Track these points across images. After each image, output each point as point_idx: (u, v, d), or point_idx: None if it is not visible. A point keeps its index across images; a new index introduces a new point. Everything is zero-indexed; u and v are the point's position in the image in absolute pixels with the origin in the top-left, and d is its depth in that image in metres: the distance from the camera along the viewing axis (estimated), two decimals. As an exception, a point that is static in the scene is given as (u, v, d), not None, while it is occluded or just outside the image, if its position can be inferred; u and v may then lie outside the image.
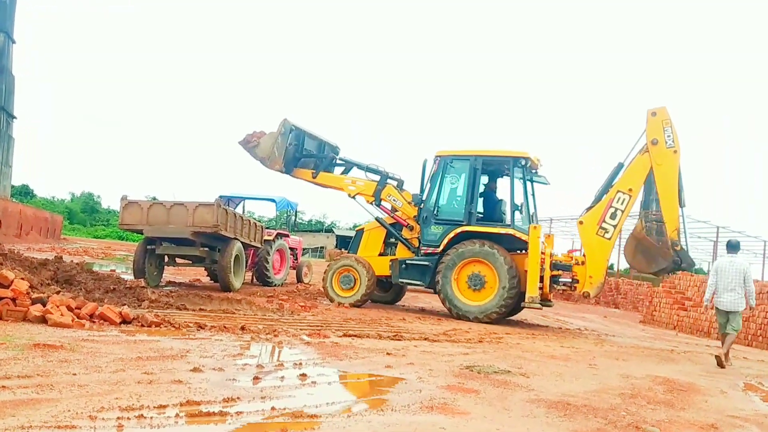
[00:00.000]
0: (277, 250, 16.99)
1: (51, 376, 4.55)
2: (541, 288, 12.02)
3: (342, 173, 14.52)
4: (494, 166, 13.19)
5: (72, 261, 12.19)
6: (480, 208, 13.18)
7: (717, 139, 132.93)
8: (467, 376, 6.17)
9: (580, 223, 12.40)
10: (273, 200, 18.28)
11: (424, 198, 13.17)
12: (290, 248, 18.11)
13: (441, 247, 12.73)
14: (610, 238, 12.09)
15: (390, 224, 13.61)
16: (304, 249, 20.61)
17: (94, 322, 7.13)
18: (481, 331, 10.50)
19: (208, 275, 16.47)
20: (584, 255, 12.35)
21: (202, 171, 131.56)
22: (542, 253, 12.06)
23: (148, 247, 13.42)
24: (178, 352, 5.96)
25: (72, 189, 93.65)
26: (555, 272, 12.33)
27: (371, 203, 13.72)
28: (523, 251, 12.21)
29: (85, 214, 70.24)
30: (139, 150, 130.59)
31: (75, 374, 4.68)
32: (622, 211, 12.05)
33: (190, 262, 14.69)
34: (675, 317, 17.13)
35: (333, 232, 72.24)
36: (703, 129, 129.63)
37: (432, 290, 13.49)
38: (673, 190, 11.74)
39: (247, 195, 18.22)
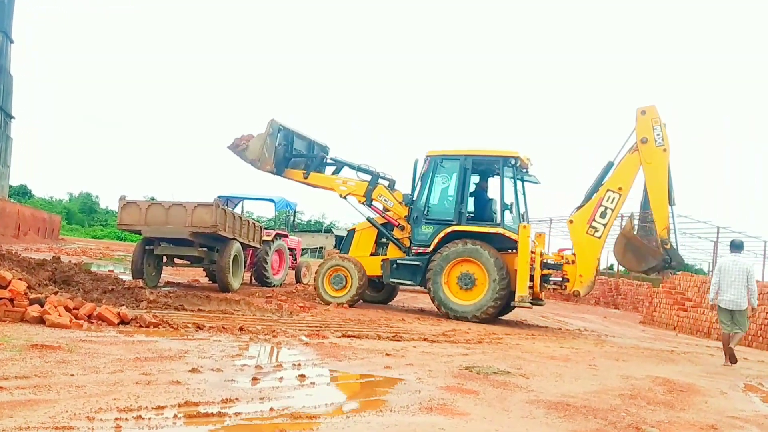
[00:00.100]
0: (276, 251, 16.97)
1: (49, 377, 4.53)
2: (531, 287, 12.08)
3: (333, 173, 14.54)
4: (484, 166, 13.22)
5: (70, 261, 12.17)
6: (471, 207, 13.23)
7: (717, 139, 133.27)
8: (467, 376, 6.16)
9: (570, 222, 12.46)
10: (272, 200, 18.27)
11: (414, 198, 13.22)
12: (289, 248, 18.09)
13: (431, 247, 12.78)
14: (600, 237, 12.13)
15: (381, 224, 13.63)
16: (303, 249, 20.60)
17: (92, 322, 7.10)
18: (480, 332, 10.49)
19: (206, 276, 16.44)
20: (574, 254, 12.38)
21: (200, 171, 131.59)
22: (532, 252, 12.12)
23: (147, 247, 13.39)
24: (177, 352, 5.94)
25: (70, 189, 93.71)
26: (545, 271, 12.38)
27: (363, 203, 13.74)
28: (514, 250, 12.24)
29: (83, 214, 70.12)
30: (137, 150, 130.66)
31: (73, 375, 4.67)
32: (612, 210, 12.09)
33: (189, 262, 14.67)
34: (675, 318, 17.11)
35: (332, 233, 72.17)
36: (703, 129, 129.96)
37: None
38: (662, 189, 11.78)
39: (245, 195, 18.20)
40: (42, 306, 6.93)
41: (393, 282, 13.55)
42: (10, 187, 45.78)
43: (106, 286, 9.97)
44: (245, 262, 15.18)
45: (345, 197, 13.94)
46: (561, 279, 12.35)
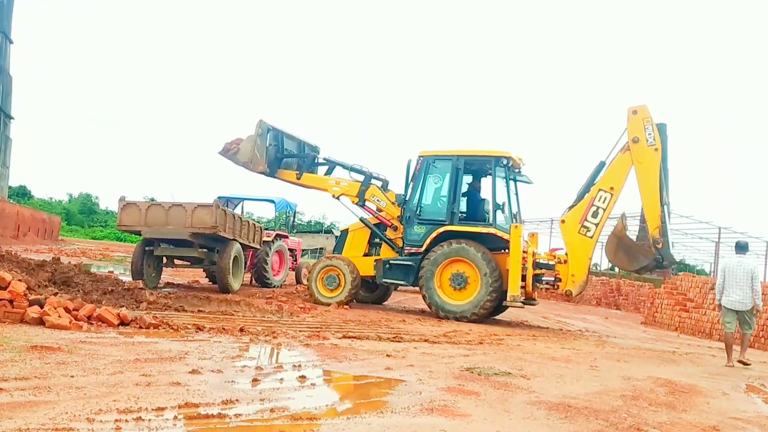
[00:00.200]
0: (276, 251, 16.95)
1: (48, 379, 4.52)
2: (523, 287, 12.11)
3: (325, 173, 14.57)
4: (477, 166, 13.26)
5: (70, 262, 12.13)
6: (463, 207, 13.28)
7: (718, 139, 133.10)
8: (467, 377, 6.14)
9: (563, 221, 12.53)
10: (272, 201, 18.25)
11: (407, 198, 13.24)
12: (289, 249, 18.07)
13: (424, 247, 12.82)
14: (592, 237, 12.18)
15: (374, 224, 13.67)
16: (303, 250, 20.60)
17: (91, 323, 7.09)
18: (481, 333, 10.48)
19: (206, 276, 16.42)
20: (566, 254, 12.41)
21: (200, 172, 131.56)
22: (524, 252, 12.16)
23: (147, 248, 13.37)
24: (177, 354, 5.92)
25: (70, 190, 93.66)
26: (538, 271, 12.41)
27: (356, 204, 13.78)
28: (506, 250, 12.28)
29: (82, 215, 70.10)
30: (137, 151, 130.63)
31: (73, 376, 4.65)
32: (604, 210, 12.13)
33: (189, 263, 14.65)
34: (677, 318, 17.09)
35: (332, 233, 72.10)
36: (703, 129, 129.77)
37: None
38: (654, 188, 11.82)
39: (245, 196, 18.18)
40: (42, 307, 6.91)
41: (386, 282, 13.59)
42: (10, 187, 45.74)
43: (106, 287, 9.93)
44: (245, 263, 15.16)
45: (338, 198, 14.00)
46: (553, 279, 12.43)
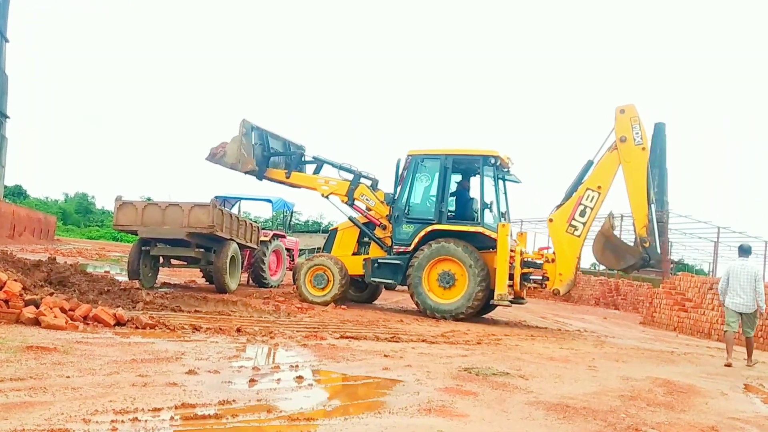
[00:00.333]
0: (274, 251, 16.92)
1: (44, 379, 4.49)
2: (511, 285, 12.14)
3: (314, 172, 14.59)
4: (465, 165, 13.31)
5: (66, 262, 12.07)
6: (452, 206, 13.33)
7: (718, 139, 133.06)
8: (465, 378, 6.12)
9: (550, 220, 12.59)
10: (269, 201, 18.24)
11: (396, 197, 13.27)
12: (287, 249, 18.05)
13: (412, 246, 12.85)
14: (579, 236, 12.24)
15: (363, 223, 13.68)
16: (300, 250, 20.60)
17: (88, 324, 7.05)
18: (479, 333, 10.47)
19: (203, 276, 16.39)
20: (554, 252, 12.43)
21: (197, 171, 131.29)
22: (512, 250, 12.20)
23: (143, 248, 13.34)
24: (173, 354, 5.90)
25: (66, 189, 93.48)
26: (525, 270, 12.45)
27: (345, 203, 13.80)
28: (494, 249, 12.30)
29: (78, 214, 69.82)
30: (133, 150, 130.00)
31: (68, 377, 4.62)
32: (592, 209, 12.19)
33: (186, 263, 14.61)
34: (675, 318, 17.09)
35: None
36: (703, 129, 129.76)
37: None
38: (641, 187, 11.90)
39: (243, 195, 18.16)
40: (37, 307, 6.87)
41: (374, 281, 13.62)
42: (6, 187, 45.60)
43: (102, 287, 9.90)
44: (242, 263, 15.14)
45: (327, 197, 14.01)
46: (541, 277, 12.48)
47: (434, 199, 13.01)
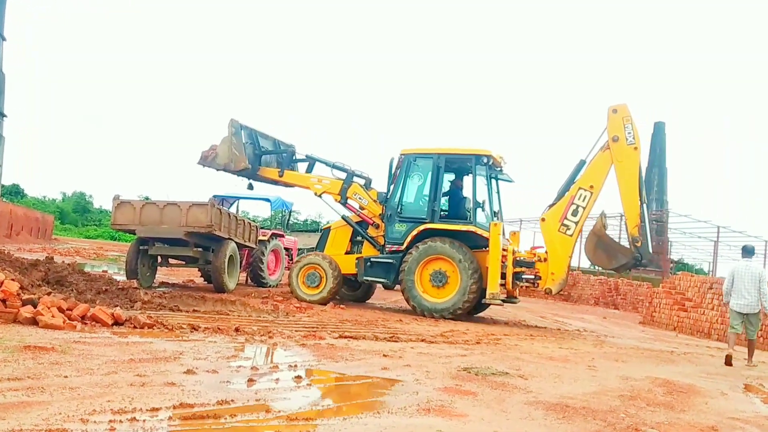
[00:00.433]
0: (272, 251, 16.89)
1: (42, 379, 4.47)
2: (503, 284, 12.16)
3: (306, 171, 14.60)
4: (458, 164, 13.33)
5: (63, 261, 12.06)
6: (445, 206, 13.35)
7: (718, 139, 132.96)
8: (465, 378, 6.11)
9: (543, 220, 12.63)
10: (268, 200, 18.21)
11: (388, 196, 13.28)
12: (285, 248, 18.03)
13: (405, 245, 12.87)
14: (571, 235, 12.30)
15: (356, 222, 13.70)
16: (299, 249, 20.56)
17: (85, 323, 7.02)
18: (478, 333, 10.46)
19: (201, 276, 16.35)
20: (547, 252, 12.46)
21: (195, 170, 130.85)
22: (504, 249, 12.23)
23: (141, 247, 13.30)
24: (171, 354, 5.87)
25: (63, 188, 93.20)
26: (518, 269, 12.49)
27: (338, 201, 13.83)
28: (486, 248, 12.32)
29: (76, 213, 69.62)
30: (132, 149, 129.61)
31: (66, 377, 4.60)
32: (584, 208, 12.24)
33: (184, 262, 14.59)
34: (675, 318, 17.09)
35: (328, 233, 71.86)
36: (703, 129, 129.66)
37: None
38: (633, 187, 11.96)
39: (241, 194, 18.11)
40: (35, 307, 6.85)
41: (367, 280, 13.63)
42: (3, 186, 45.48)
43: (100, 287, 9.88)
44: (241, 263, 15.11)
45: (320, 195, 14.03)
46: (533, 276, 12.52)
47: (427, 198, 13.04)
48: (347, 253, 13.81)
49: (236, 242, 14.04)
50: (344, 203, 13.77)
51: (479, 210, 12.91)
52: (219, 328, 7.71)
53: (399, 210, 13.14)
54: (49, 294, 7.75)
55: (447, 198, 13.49)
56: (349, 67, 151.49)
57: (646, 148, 39.99)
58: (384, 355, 7.01)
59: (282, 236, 18.07)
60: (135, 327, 7.22)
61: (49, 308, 6.88)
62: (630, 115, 12.03)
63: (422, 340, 8.68)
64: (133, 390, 4.40)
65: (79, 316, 7.09)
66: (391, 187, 13.32)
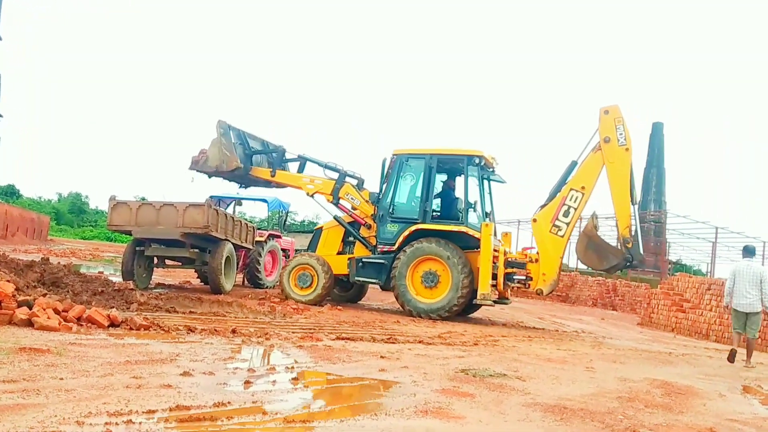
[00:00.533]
0: (269, 252, 16.86)
1: (37, 381, 4.44)
2: (494, 285, 12.17)
3: (297, 171, 14.60)
4: (450, 165, 13.36)
5: (59, 262, 12.01)
6: (437, 206, 13.38)
7: (717, 139, 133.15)
8: (462, 379, 6.09)
9: (534, 220, 12.68)
10: (265, 200, 18.16)
11: (380, 196, 13.28)
12: (282, 249, 17.98)
13: (396, 245, 12.88)
14: (563, 236, 12.34)
15: (348, 223, 13.70)
16: (296, 250, 20.51)
17: (81, 325, 6.99)
18: (476, 334, 10.45)
19: (198, 277, 16.32)
20: (538, 252, 12.49)
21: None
22: (495, 250, 12.27)
23: (137, 248, 13.25)
24: (168, 355, 5.85)
25: (59, 189, 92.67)
26: (509, 270, 12.51)
27: (330, 202, 13.83)
28: (478, 249, 12.33)
29: (72, 214, 69.49)
30: (128, 150, 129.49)
31: (62, 379, 4.57)
32: (575, 209, 12.30)
33: (180, 263, 14.53)
34: (673, 319, 17.11)
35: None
36: (703, 129, 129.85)
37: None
38: (624, 188, 12.01)
39: (238, 195, 18.06)
40: (30, 308, 6.81)
41: (358, 281, 13.63)
42: (-1, 187, 45.42)
43: (96, 288, 9.83)
44: (238, 264, 15.06)
45: (312, 195, 14.03)
46: (525, 277, 12.55)
47: (419, 198, 13.06)
48: (339, 253, 13.81)
49: (233, 243, 14.01)
50: (336, 203, 13.77)
51: (471, 211, 12.94)
52: (216, 330, 7.68)
53: (391, 210, 13.15)
54: (44, 295, 7.71)
55: (439, 198, 13.50)
56: (349, 67, 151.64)
57: (644, 149, 40.07)
58: (381, 357, 6.99)
59: (279, 237, 18.04)
60: (131, 329, 7.19)
61: (44, 310, 6.84)
62: (621, 116, 12.09)
63: (420, 342, 8.67)
64: (129, 392, 4.38)
65: (75, 317, 7.05)
66: (384, 187, 13.34)
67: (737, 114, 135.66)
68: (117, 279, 12.99)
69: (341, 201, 13.71)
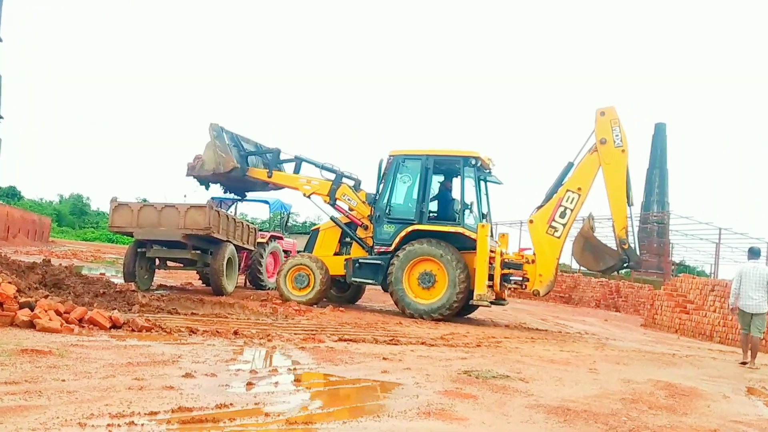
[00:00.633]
0: (271, 253, 16.86)
1: (39, 383, 4.43)
2: (491, 286, 12.17)
3: (293, 171, 14.60)
4: (446, 166, 13.34)
5: (60, 264, 12.01)
6: (434, 207, 13.39)
7: (718, 139, 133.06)
8: (465, 381, 6.08)
9: (531, 221, 12.68)
10: (266, 202, 18.17)
11: (377, 197, 13.30)
12: (284, 251, 17.98)
13: (393, 246, 12.89)
14: (559, 237, 12.34)
15: (345, 223, 13.71)
16: (298, 251, 20.51)
17: (83, 326, 6.98)
18: (479, 336, 10.43)
19: (200, 279, 16.31)
20: (534, 254, 12.48)
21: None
22: (492, 251, 12.26)
23: (139, 250, 13.26)
24: (170, 357, 5.84)
25: (60, 190, 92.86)
26: (506, 270, 12.51)
27: (327, 203, 13.85)
28: (474, 250, 12.32)
29: (73, 216, 69.52)
30: (129, 151, 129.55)
31: (64, 380, 4.57)
32: (572, 210, 12.31)
33: (182, 265, 14.52)
34: (677, 320, 17.06)
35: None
36: (704, 130, 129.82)
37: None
38: (621, 189, 12.03)
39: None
40: (32, 310, 6.81)
41: (355, 281, 13.63)
42: (0, 188, 45.46)
43: (98, 290, 9.83)
44: (239, 265, 15.07)
45: (309, 196, 14.03)
46: (521, 278, 12.54)
47: (415, 199, 13.06)
48: (336, 254, 13.81)
49: (235, 245, 14.01)
50: (333, 204, 13.78)
51: (467, 211, 12.94)
52: (217, 331, 7.67)
53: (387, 211, 13.14)
54: (46, 297, 7.70)
55: (436, 199, 13.50)
56: (349, 67, 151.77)
57: (647, 149, 40.09)
58: (384, 359, 6.97)
59: (281, 238, 18.04)
60: (133, 330, 7.19)
61: (46, 311, 6.84)
62: (618, 117, 12.10)
63: (422, 343, 8.65)
64: (131, 394, 4.37)
65: (77, 319, 7.05)
66: (380, 188, 13.35)
67: (740, 114, 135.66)
68: (119, 280, 12.99)
69: (338, 202, 13.73)
